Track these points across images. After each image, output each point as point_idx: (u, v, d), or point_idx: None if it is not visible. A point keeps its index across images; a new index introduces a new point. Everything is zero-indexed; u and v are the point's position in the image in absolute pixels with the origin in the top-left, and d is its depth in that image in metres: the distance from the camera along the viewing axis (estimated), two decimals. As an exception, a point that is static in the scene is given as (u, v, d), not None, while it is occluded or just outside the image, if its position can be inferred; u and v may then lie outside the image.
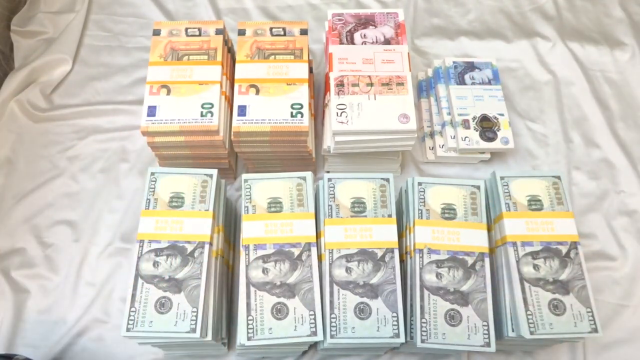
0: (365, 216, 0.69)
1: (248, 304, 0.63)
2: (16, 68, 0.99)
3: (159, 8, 1.07)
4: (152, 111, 0.76)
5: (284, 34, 0.83)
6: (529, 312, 0.63)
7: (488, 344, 0.63)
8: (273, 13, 1.08)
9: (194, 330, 0.61)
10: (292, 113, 0.75)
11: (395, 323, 0.63)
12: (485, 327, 0.64)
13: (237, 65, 0.80)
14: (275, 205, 0.69)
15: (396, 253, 0.66)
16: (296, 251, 0.66)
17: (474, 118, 0.88)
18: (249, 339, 0.61)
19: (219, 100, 0.77)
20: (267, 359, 0.75)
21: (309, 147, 0.80)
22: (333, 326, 0.63)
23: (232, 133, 0.75)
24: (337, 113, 0.74)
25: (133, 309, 0.62)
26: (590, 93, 0.99)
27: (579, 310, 0.63)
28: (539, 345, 0.73)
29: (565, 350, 0.76)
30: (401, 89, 0.76)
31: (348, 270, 0.65)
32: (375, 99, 0.75)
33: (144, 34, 1.05)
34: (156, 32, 0.82)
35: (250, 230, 0.67)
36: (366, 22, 0.83)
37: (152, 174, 0.70)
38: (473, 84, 0.91)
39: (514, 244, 0.67)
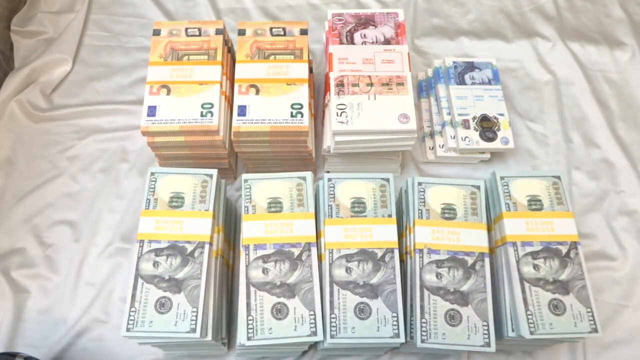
0: (365, 216, 0.69)
1: (248, 304, 0.63)
2: (16, 68, 0.99)
3: (159, 8, 1.07)
4: (152, 111, 0.76)
5: (284, 34, 0.83)
6: (529, 312, 0.63)
7: (488, 344, 0.63)
8: (273, 13, 1.08)
9: (194, 330, 0.61)
10: (292, 113, 0.75)
11: (395, 323, 0.63)
12: (485, 327, 0.64)
13: (237, 65, 0.80)
14: (275, 205, 0.69)
15: (396, 253, 0.66)
16: (296, 251, 0.66)
17: (474, 118, 0.88)
18: (249, 339, 0.61)
19: (219, 100, 0.77)
20: (267, 359, 0.75)
21: (309, 147, 0.80)
22: (333, 326, 0.63)
23: (232, 133, 0.75)
24: (337, 113, 0.74)
25: (133, 309, 0.62)
26: (590, 93, 0.99)
27: (579, 310, 0.63)
28: (539, 345, 0.73)
29: (565, 350, 0.76)
30: (401, 89, 0.76)
31: (348, 270, 0.65)
32: (375, 99, 0.75)
33: (144, 34, 1.05)
34: (156, 32, 0.82)
35: (250, 230, 0.67)
36: (366, 22, 0.83)
37: (152, 174, 0.70)
38: (473, 84, 0.91)
39: (514, 244, 0.67)
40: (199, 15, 1.07)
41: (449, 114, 0.90)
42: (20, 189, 0.88)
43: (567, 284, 0.65)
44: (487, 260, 0.67)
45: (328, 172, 0.88)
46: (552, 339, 0.64)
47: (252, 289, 0.64)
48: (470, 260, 0.67)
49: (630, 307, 0.80)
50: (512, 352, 0.76)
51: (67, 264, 0.82)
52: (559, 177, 0.72)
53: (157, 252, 0.65)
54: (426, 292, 0.65)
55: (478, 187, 0.72)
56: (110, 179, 0.89)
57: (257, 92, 0.77)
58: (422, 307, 0.64)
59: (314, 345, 0.74)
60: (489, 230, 0.71)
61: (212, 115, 0.75)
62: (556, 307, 0.63)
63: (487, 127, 0.87)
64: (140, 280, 0.64)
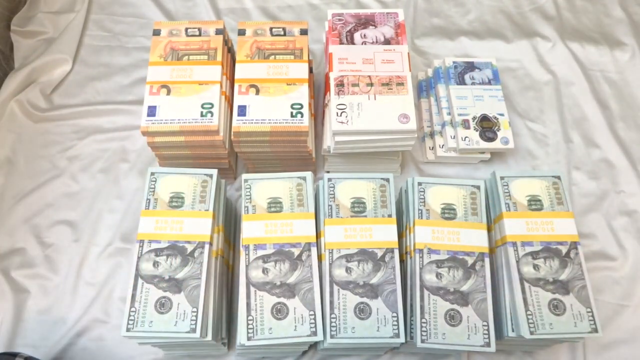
0: (365, 216, 0.69)
1: (248, 304, 0.63)
2: (16, 68, 0.99)
3: (159, 8, 1.07)
4: (152, 111, 0.76)
5: (284, 34, 0.83)
6: (529, 312, 0.63)
7: (488, 344, 0.63)
8: (273, 13, 1.08)
9: (194, 330, 0.61)
10: (292, 113, 0.75)
11: (395, 323, 0.63)
12: (485, 327, 0.64)
13: (237, 65, 0.80)
14: (275, 205, 0.69)
15: (396, 253, 0.66)
16: (296, 251, 0.66)
17: (474, 118, 0.88)
18: (249, 339, 0.61)
19: (219, 100, 0.77)
20: (267, 359, 0.75)
21: (309, 147, 0.80)
22: (333, 326, 0.63)
23: (232, 133, 0.75)
24: (337, 113, 0.74)
25: (133, 309, 0.62)
26: (590, 93, 0.99)
27: (579, 310, 0.63)
28: (539, 345, 0.73)
29: (565, 350, 0.76)
30: (401, 89, 0.76)
31: (348, 270, 0.65)
32: (375, 99, 0.75)
33: (144, 34, 1.05)
34: (156, 32, 0.82)
35: (250, 230, 0.67)
36: (366, 22, 0.83)
37: (152, 174, 0.70)
38: (473, 84, 0.91)
39: (514, 244, 0.67)
40: (199, 15, 1.07)
41: (449, 114, 0.90)
42: (20, 189, 0.88)
43: (567, 284, 0.65)
44: (487, 260, 0.67)
45: (328, 172, 0.88)
46: (552, 339, 0.64)
47: (252, 289, 0.64)
48: (470, 260, 0.67)
49: (630, 307, 0.80)
50: (512, 352, 0.76)
51: (67, 264, 0.82)
52: (559, 177, 0.72)
53: (157, 252, 0.65)
54: (426, 292, 0.65)
55: (478, 187, 0.72)
56: (110, 179, 0.89)
57: (257, 92, 0.77)
58: (422, 307, 0.64)
59: (314, 345, 0.74)
60: (489, 230, 0.71)
61: (212, 115, 0.75)
62: (556, 307, 0.63)
63: (487, 127, 0.87)
64: (140, 280, 0.64)
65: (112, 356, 0.75)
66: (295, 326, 0.62)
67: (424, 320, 0.63)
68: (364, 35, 0.82)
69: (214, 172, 0.71)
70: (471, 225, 0.69)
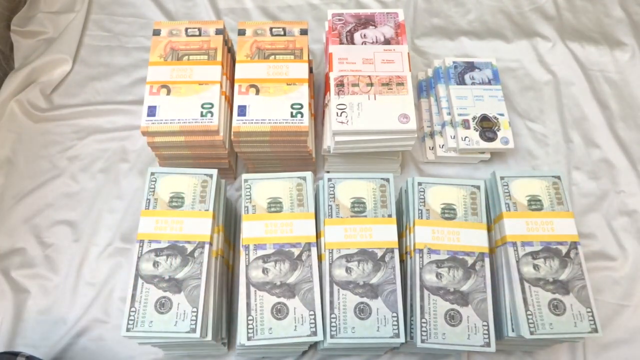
0: (365, 216, 0.69)
1: (248, 304, 0.63)
2: (16, 68, 0.99)
3: (159, 8, 1.07)
4: (152, 111, 0.76)
5: (284, 34, 0.83)
6: (529, 312, 0.63)
7: (488, 344, 0.63)
8: (273, 13, 1.08)
9: (194, 330, 0.61)
10: (292, 113, 0.75)
11: (395, 323, 0.63)
12: (485, 327, 0.64)
13: (237, 65, 0.80)
14: (275, 205, 0.69)
15: (396, 253, 0.66)
16: (296, 251, 0.66)
17: (474, 118, 0.88)
18: (249, 339, 0.61)
19: (219, 100, 0.77)
20: (267, 359, 0.75)
21: (309, 147, 0.80)
22: (333, 326, 0.63)
23: (232, 133, 0.75)
24: (337, 113, 0.74)
25: (133, 309, 0.62)
26: (590, 93, 0.99)
27: (579, 310, 0.63)
28: (539, 345, 0.73)
29: (565, 350, 0.76)
30: (401, 89, 0.76)
31: (348, 270, 0.65)
32: (375, 99, 0.75)
33: (144, 34, 1.05)
34: (156, 32, 0.82)
35: (250, 230, 0.67)
36: (366, 22, 0.83)
37: (152, 174, 0.70)
38: (473, 84, 0.91)
39: (514, 244, 0.67)
40: (199, 15, 1.07)
41: (449, 114, 0.90)
42: (20, 189, 0.88)
43: (567, 284, 0.65)
44: (487, 260, 0.67)
45: (328, 172, 0.88)
46: (552, 339, 0.64)
47: (252, 289, 0.64)
48: (470, 260, 0.67)
49: (630, 307, 0.80)
50: (512, 352, 0.76)
51: (67, 264, 0.82)
52: (559, 177, 0.72)
53: (157, 252, 0.65)
54: (426, 292, 0.65)
55: (478, 187, 0.72)
56: (110, 179, 0.89)
57: (257, 92, 0.77)
58: (422, 307, 0.64)
59: (314, 345, 0.74)
60: (489, 230, 0.71)
61: (212, 115, 0.75)
62: (556, 307, 0.63)
63: (487, 127, 0.87)
64: (140, 280, 0.64)
65: (112, 356, 0.75)
66: (295, 326, 0.62)
67: (424, 320, 0.63)
68: (364, 35, 0.82)
69: (214, 172, 0.71)
70: (471, 225, 0.69)
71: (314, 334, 0.62)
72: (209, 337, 0.63)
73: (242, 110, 0.76)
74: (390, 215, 0.69)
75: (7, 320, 0.77)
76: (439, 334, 0.63)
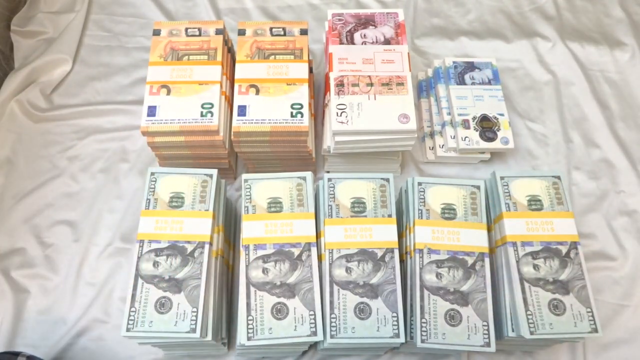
0: (365, 216, 0.69)
1: (248, 304, 0.63)
2: (16, 68, 0.99)
3: (159, 8, 1.07)
4: (152, 111, 0.76)
5: (284, 34, 0.83)
6: (529, 312, 0.63)
7: (488, 344, 0.63)
8: (273, 13, 1.08)
9: (194, 330, 0.61)
10: (292, 113, 0.75)
11: (395, 323, 0.63)
12: (485, 327, 0.64)
13: (237, 65, 0.80)
14: (275, 205, 0.69)
15: (396, 253, 0.66)
16: (296, 251, 0.66)
17: (474, 118, 0.88)
18: (249, 339, 0.61)
19: (219, 100, 0.77)
20: (267, 359, 0.75)
21: (309, 147, 0.80)
22: (333, 326, 0.63)
23: (232, 133, 0.75)
24: (337, 113, 0.74)
25: (133, 309, 0.62)
26: (590, 93, 0.99)
27: (579, 310, 0.63)
28: (539, 345, 0.73)
29: (565, 350, 0.76)
30: (401, 89, 0.76)
31: (348, 270, 0.65)
32: (375, 99, 0.75)
33: (144, 34, 1.05)
34: (156, 32, 0.82)
35: (250, 230, 0.67)
36: (366, 22, 0.83)
37: (152, 174, 0.70)
38: (473, 84, 0.91)
39: (514, 244, 0.67)
40: (199, 15, 1.07)
41: (449, 114, 0.90)
42: (20, 189, 0.88)
43: (567, 284, 0.65)
44: (487, 260, 0.67)
45: (328, 172, 0.88)
46: (552, 339, 0.64)
47: (252, 289, 0.64)
48: (470, 260, 0.67)
49: (630, 307, 0.80)
50: (512, 352, 0.76)
51: (67, 264, 0.82)
52: (559, 177, 0.72)
53: (157, 252, 0.65)
54: (426, 292, 0.65)
55: (478, 187, 0.72)
56: (110, 179, 0.89)
57: (257, 92, 0.77)
58: (422, 307, 0.64)
59: (314, 345, 0.74)
60: (489, 230, 0.71)
61: (212, 115, 0.75)
62: (556, 307, 0.63)
63: (487, 127, 0.87)
64: (140, 280, 0.64)
65: (112, 356, 0.75)
66: (295, 326, 0.62)
67: (424, 320, 0.63)
68: (364, 35, 0.82)
69: (214, 172, 0.71)
70: (471, 225, 0.69)
71: (314, 334, 0.62)
72: (209, 337, 0.63)
73: (242, 110, 0.76)
74: (390, 215, 0.69)
75: (7, 320, 0.77)
76: (439, 334, 0.63)
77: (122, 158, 0.91)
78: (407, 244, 0.70)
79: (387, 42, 0.81)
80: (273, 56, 0.80)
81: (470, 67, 0.93)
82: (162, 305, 0.62)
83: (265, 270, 0.65)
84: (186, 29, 0.82)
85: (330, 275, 0.65)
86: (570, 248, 0.67)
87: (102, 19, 1.06)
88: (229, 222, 0.79)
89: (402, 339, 0.62)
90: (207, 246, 0.66)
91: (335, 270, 0.65)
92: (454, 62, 0.93)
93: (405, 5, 1.10)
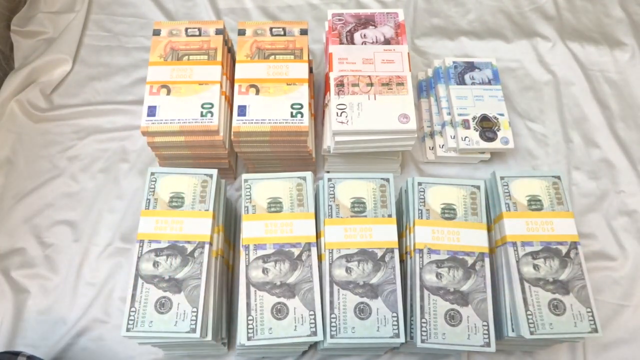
0: (365, 216, 0.69)
1: (248, 304, 0.63)
2: (16, 68, 0.99)
3: (159, 8, 1.07)
4: (152, 111, 0.76)
5: (284, 34, 0.83)
6: (529, 312, 0.63)
7: (488, 344, 0.63)
8: (273, 13, 1.08)
9: (194, 330, 0.61)
10: (292, 113, 0.75)
11: (395, 323, 0.63)
12: (485, 327, 0.64)
13: (237, 65, 0.80)
14: (275, 205, 0.69)
15: (396, 253, 0.66)
16: (296, 251, 0.66)
17: (474, 118, 0.88)
18: (249, 339, 0.61)
19: (219, 100, 0.77)
20: (267, 359, 0.75)
21: (309, 147, 0.80)
22: (333, 326, 0.63)
23: (232, 133, 0.75)
24: (337, 113, 0.74)
25: (133, 309, 0.62)
26: (590, 93, 0.99)
27: (579, 310, 0.63)
28: (539, 345, 0.73)
29: (565, 350, 0.76)
30: (401, 89, 0.76)
31: (348, 270, 0.65)
32: (375, 99, 0.75)
33: (144, 34, 1.05)
34: (156, 32, 0.82)
35: (250, 230, 0.67)
36: (366, 22, 0.83)
37: (152, 174, 0.70)
38: (473, 84, 0.91)
39: (514, 244, 0.67)
40: (199, 15, 1.07)
41: (449, 114, 0.90)
42: (20, 189, 0.88)
43: (567, 284, 0.65)
44: (487, 260, 0.67)
45: (328, 172, 0.88)
46: (552, 339, 0.64)
47: (252, 289, 0.64)
48: (470, 260, 0.67)
49: (630, 307, 0.80)
50: (512, 352, 0.76)
51: (67, 264, 0.82)
52: (559, 177, 0.72)
53: (157, 252, 0.65)
54: (426, 292, 0.65)
55: (478, 187, 0.72)
56: (110, 179, 0.89)
57: (257, 92, 0.77)
58: (422, 307, 0.64)
59: (314, 345, 0.74)
60: (489, 230, 0.71)
61: (212, 115, 0.75)
62: (556, 307, 0.63)
63: (487, 127, 0.87)
64: (140, 280, 0.64)
65: (112, 356, 0.75)
66: (295, 326, 0.62)
67: (424, 320, 0.63)
68: (364, 35, 0.82)
69: (214, 172, 0.71)
70: (471, 225, 0.69)
71: (314, 334, 0.62)
72: (209, 337, 0.63)
73: (242, 110, 0.76)
74: (390, 215, 0.69)
75: (7, 320, 0.77)
76: (439, 334, 0.63)
77: (122, 158, 0.91)
78: (407, 244, 0.70)
79: (387, 42, 0.81)
80: (273, 56, 0.80)
81: (470, 67, 0.93)
82: (162, 305, 0.62)
83: (265, 270, 0.65)
84: (186, 29, 0.82)
85: (330, 275, 0.65)
86: (570, 248, 0.67)
87: (102, 19, 1.06)
88: (229, 222, 0.79)
89: (402, 339, 0.62)
90: (207, 246, 0.66)
91: (335, 270, 0.65)
92: (454, 62, 0.93)
93: (405, 5, 1.10)
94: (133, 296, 0.63)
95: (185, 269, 0.64)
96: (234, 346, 0.75)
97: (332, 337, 0.62)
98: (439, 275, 0.66)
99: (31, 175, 0.89)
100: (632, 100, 1.00)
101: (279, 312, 0.63)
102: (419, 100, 0.97)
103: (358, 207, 0.69)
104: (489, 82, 0.92)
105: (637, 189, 0.90)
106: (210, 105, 0.76)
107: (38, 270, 0.81)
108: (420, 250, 0.67)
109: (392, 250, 0.67)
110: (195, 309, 0.62)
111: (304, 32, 0.83)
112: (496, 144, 0.86)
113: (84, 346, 0.76)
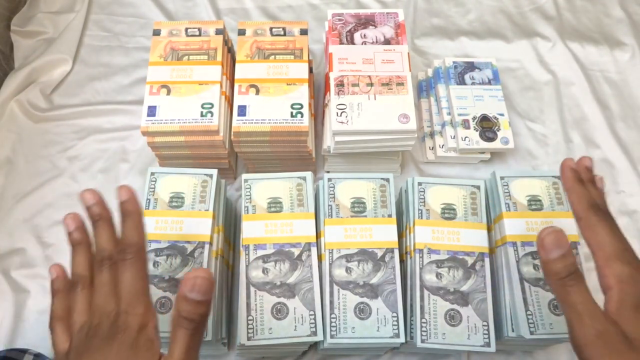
0: (365, 216, 0.69)
1: (248, 304, 0.63)
2: (16, 68, 0.99)
3: (159, 8, 1.07)
4: (152, 111, 0.76)
5: (284, 34, 0.83)
6: (529, 312, 0.63)
7: (488, 344, 0.63)
8: (273, 13, 1.08)
9: (194, 330, 0.61)
10: (292, 113, 0.75)
11: (395, 323, 0.63)
12: (485, 327, 0.64)
13: (237, 65, 0.80)
14: (275, 205, 0.69)
15: (396, 253, 0.66)
16: (296, 251, 0.66)
17: (474, 118, 0.88)
18: (249, 339, 0.61)
19: (219, 100, 0.77)
20: (267, 359, 0.75)
21: (309, 147, 0.80)
22: (333, 326, 0.63)
23: (232, 133, 0.75)
24: (337, 113, 0.74)
25: (133, 309, 0.62)
26: (590, 93, 0.99)
27: (579, 310, 0.63)
28: (539, 345, 0.73)
29: (565, 350, 0.76)
30: (401, 89, 0.76)
31: (348, 270, 0.65)
32: (375, 99, 0.75)
33: (144, 34, 1.05)
34: (156, 32, 0.82)
35: (250, 230, 0.67)
36: (366, 22, 0.83)
37: (152, 174, 0.70)
38: (473, 84, 0.91)
39: (514, 244, 0.67)
40: (199, 15, 1.07)
41: (449, 114, 0.90)
42: (20, 189, 0.88)
43: (567, 284, 0.65)
44: (487, 260, 0.67)
45: (328, 172, 0.88)
46: (552, 339, 0.63)
47: (252, 289, 0.64)
48: (470, 260, 0.67)
49: (630, 307, 0.80)
50: (512, 352, 0.76)
51: (67, 264, 0.81)
52: (559, 177, 0.72)
53: (157, 252, 0.65)
54: (426, 292, 0.65)
55: (478, 187, 0.72)
56: (110, 179, 0.89)
57: (257, 92, 0.77)
58: (422, 307, 0.64)
59: (314, 345, 0.74)
60: (489, 230, 0.71)
61: (212, 115, 0.75)
62: (556, 307, 0.63)
63: (487, 127, 0.87)
64: (140, 280, 0.63)
65: (112, 356, 0.75)
66: (295, 326, 0.62)
67: (424, 320, 0.63)
68: (364, 35, 0.82)
69: (214, 172, 0.71)
70: (471, 225, 0.69)
71: (314, 334, 0.62)
72: (209, 337, 0.63)
73: (242, 110, 0.76)
74: (390, 215, 0.69)
75: (7, 320, 0.77)
76: (439, 334, 0.63)
77: (122, 158, 0.91)
78: (407, 244, 0.70)
79: (387, 42, 0.81)
80: (273, 56, 0.80)
81: (470, 67, 0.93)
82: (162, 306, 0.62)
83: (265, 270, 0.65)
84: (186, 29, 0.82)
85: (330, 275, 0.65)
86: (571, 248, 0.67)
87: (102, 19, 1.06)
88: (229, 222, 0.79)
89: (402, 339, 0.62)
90: (207, 246, 0.66)
91: (335, 270, 0.65)
92: (454, 62, 0.93)
93: (405, 5, 1.10)
94: (133, 296, 0.63)
95: (185, 269, 0.64)
96: (234, 346, 0.75)
97: (332, 337, 0.62)
98: (439, 275, 0.66)
99: (31, 175, 0.89)
100: (632, 100, 1.00)
101: (279, 312, 0.63)
102: (419, 100, 0.97)
103: (358, 207, 0.69)
104: (489, 82, 0.92)
105: (637, 189, 0.90)
106: (210, 105, 0.76)
107: (38, 270, 0.81)
108: (420, 250, 0.67)
109: (392, 250, 0.67)
110: (195, 309, 0.62)
111: (304, 32, 0.83)
112: (496, 144, 0.86)
113: (84, 346, 0.76)
